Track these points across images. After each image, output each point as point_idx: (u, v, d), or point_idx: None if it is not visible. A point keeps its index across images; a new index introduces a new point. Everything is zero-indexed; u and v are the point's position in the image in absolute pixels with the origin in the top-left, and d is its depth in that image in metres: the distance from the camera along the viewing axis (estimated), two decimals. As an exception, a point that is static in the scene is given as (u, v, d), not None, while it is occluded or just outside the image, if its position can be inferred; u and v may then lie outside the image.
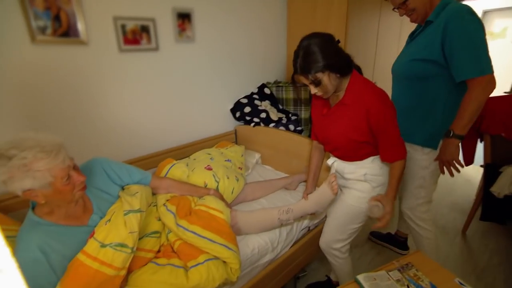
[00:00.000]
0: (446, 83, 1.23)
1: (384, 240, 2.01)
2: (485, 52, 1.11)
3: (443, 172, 1.32)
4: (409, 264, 1.05)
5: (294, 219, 1.36)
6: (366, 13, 2.18)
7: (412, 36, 1.39)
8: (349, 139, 1.15)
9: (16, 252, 0.87)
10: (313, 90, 1.09)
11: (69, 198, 0.96)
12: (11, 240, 0.97)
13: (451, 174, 1.27)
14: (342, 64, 1.05)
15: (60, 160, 0.88)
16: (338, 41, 1.07)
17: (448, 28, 1.13)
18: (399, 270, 1.02)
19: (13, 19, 1.20)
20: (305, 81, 1.07)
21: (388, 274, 0.99)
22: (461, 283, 0.98)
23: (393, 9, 1.35)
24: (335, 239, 1.34)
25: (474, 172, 3.09)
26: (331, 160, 1.33)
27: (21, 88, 1.28)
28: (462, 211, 2.43)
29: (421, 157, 1.38)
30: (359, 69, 1.18)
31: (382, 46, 2.46)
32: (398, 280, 0.97)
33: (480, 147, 2.10)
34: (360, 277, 0.97)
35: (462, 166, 1.25)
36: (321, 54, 0.99)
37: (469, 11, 1.13)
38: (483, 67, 1.10)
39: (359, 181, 1.24)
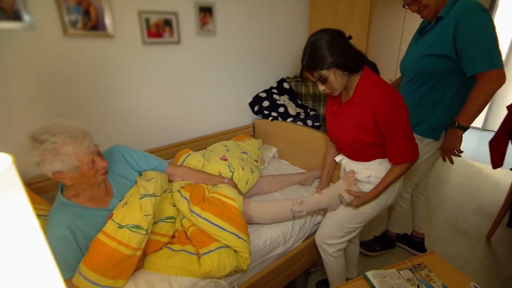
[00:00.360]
0: (456, 79, 1.26)
1: (400, 240, 1.96)
2: (495, 46, 1.13)
3: (444, 160, 1.40)
4: (421, 264, 1.03)
5: (307, 212, 1.36)
6: (392, 9, 2.11)
7: (422, 32, 1.39)
8: (356, 139, 1.12)
9: (48, 229, 0.96)
10: (321, 87, 1.08)
11: (92, 182, 1.03)
12: (43, 219, 1.07)
13: (451, 162, 1.37)
14: (350, 61, 1.02)
15: (85, 145, 0.96)
16: (349, 37, 1.05)
17: (460, 23, 1.14)
18: (410, 270, 1.00)
19: (48, 14, 1.28)
20: (312, 78, 1.06)
21: (399, 272, 0.98)
22: (476, 288, 0.95)
23: (404, 5, 1.33)
24: (330, 234, 1.33)
25: (503, 176, 2.93)
26: (339, 158, 1.32)
27: (52, 78, 1.37)
28: (487, 215, 2.32)
29: (419, 147, 1.36)
30: (374, 66, 1.14)
31: (407, 43, 2.37)
32: (408, 280, 0.96)
33: (510, 150, 1.99)
34: (369, 274, 0.96)
35: (461, 153, 1.34)
36: (327, 50, 0.98)
37: (480, 6, 1.15)
38: (494, 62, 1.13)
39: (363, 182, 1.22)
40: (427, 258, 1.07)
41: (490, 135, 2.14)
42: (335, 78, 1.02)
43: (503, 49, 4.06)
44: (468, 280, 0.98)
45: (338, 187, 1.28)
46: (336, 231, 1.31)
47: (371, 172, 1.18)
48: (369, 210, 1.22)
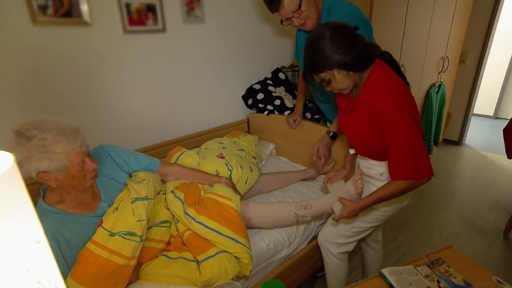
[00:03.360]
0: None
1: None
2: None
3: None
4: (439, 259, 1.08)
5: (312, 217, 1.37)
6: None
7: None
8: (363, 143, 1.13)
9: None
10: (327, 88, 1.07)
11: (81, 186, 1.04)
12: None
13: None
14: (355, 59, 0.98)
15: (77, 144, 0.97)
16: (356, 28, 1.03)
17: None
18: (428, 266, 1.05)
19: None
20: (315, 80, 1.07)
21: (416, 269, 1.03)
22: (499, 282, 1.00)
23: (282, 22, 1.38)
24: (336, 233, 1.33)
25: (519, 167, 3.05)
26: (353, 150, 1.34)
27: (23, 71, 1.36)
28: (504, 210, 2.42)
29: None
30: (389, 57, 1.10)
31: (411, 27, 2.44)
32: (427, 276, 1.00)
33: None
34: (385, 271, 1.01)
35: None
36: (329, 50, 0.96)
37: (358, 15, 1.32)
38: None
39: (375, 178, 1.24)
40: (445, 253, 1.12)
41: (503, 124, 2.22)
42: (338, 80, 1.01)
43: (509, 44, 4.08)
44: (490, 274, 1.03)
45: (346, 188, 1.28)
46: (345, 230, 1.31)
47: (383, 169, 1.17)
48: (383, 208, 1.23)
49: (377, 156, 1.17)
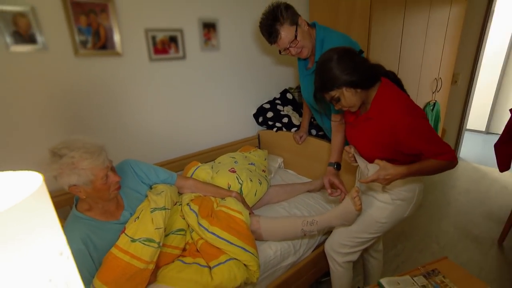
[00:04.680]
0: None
1: None
2: None
3: None
4: (435, 270, 1.02)
5: (318, 231, 1.34)
6: (391, 15, 2.15)
7: (307, 70, 1.51)
8: (371, 154, 1.10)
9: None
10: (336, 106, 1.06)
11: (105, 196, 1.05)
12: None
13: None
14: (362, 78, 0.99)
15: (101, 161, 0.99)
16: (361, 52, 1.03)
17: None
18: (424, 276, 0.99)
19: (61, 36, 1.33)
20: (326, 98, 1.06)
21: (413, 279, 0.98)
22: (493, 293, 0.94)
23: (280, 52, 1.39)
24: (341, 243, 1.29)
25: (511, 179, 2.91)
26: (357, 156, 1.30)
27: (64, 96, 1.41)
28: (498, 220, 2.30)
29: None
30: (393, 76, 1.11)
31: (406, 51, 2.41)
32: (423, 286, 0.95)
33: (516, 152, 1.98)
34: (384, 281, 0.96)
35: None
36: (337, 70, 0.96)
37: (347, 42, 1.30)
38: None
39: (377, 191, 1.20)
40: (441, 264, 1.06)
41: (494, 138, 2.15)
42: (348, 97, 1.01)
43: (502, 50, 4.11)
44: (485, 285, 0.97)
45: (347, 205, 1.22)
46: (348, 240, 1.27)
47: None
48: (384, 219, 1.19)
49: None
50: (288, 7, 1.29)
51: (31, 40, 1.25)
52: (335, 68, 0.97)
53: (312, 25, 1.39)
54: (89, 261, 1.01)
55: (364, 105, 1.09)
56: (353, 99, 1.02)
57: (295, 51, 1.35)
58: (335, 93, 1.00)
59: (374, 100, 1.04)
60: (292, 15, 1.28)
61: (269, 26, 1.28)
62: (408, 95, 1.08)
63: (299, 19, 1.31)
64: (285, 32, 1.28)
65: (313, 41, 1.38)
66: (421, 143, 0.99)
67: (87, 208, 1.07)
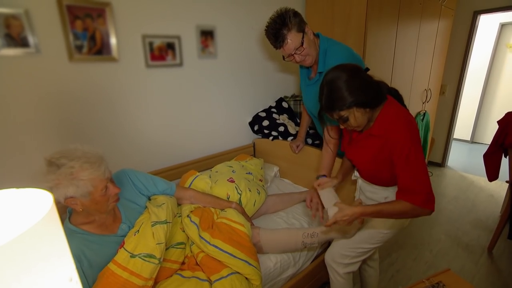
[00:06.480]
0: None
1: None
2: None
3: None
4: (440, 283, 1.02)
5: (319, 243, 1.33)
6: (385, 25, 2.19)
7: (310, 79, 1.51)
8: (372, 171, 1.09)
9: None
10: (342, 125, 1.03)
11: (103, 209, 1.00)
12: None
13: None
14: (370, 97, 0.96)
15: (101, 171, 0.94)
16: (367, 69, 1.00)
17: None
18: (429, 289, 0.99)
19: (55, 39, 1.28)
20: (333, 118, 1.03)
21: (418, 292, 0.98)
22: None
23: (284, 58, 1.40)
24: (342, 253, 1.28)
25: (497, 187, 3.00)
26: (355, 176, 1.30)
27: (57, 102, 1.35)
28: (486, 228, 2.35)
29: None
30: (396, 93, 1.10)
31: (399, 62, 2.47)
32: (429, 299, 0.95)
33: (504, 162, 2.05)
34: (389, 295, 0.95)
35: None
36: (346, 90, 0.93)
37: (349, 55, 1.32)
38: None
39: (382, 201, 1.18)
40: (444, 276, 1.07)
41: (479, 147, 2.22)
42: (357, 117, 0.97)
43: (484, 66, 4.30)
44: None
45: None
46: (350, 251, 1.26)
47: (388, 193, 1.14)
48: (385, 230, 1.19)
49: (383, 182, 1.14)
50: (296, 14, 1.29)
51: (23, 43, 1.19)
52: (345, 88, 0.93)
53: (316, 35, 1.39)
54: (82, 279, 0.95)
55: (367, 122, 1.07)
56: (362, 119, 0.99)
57: (299, 58, 1.34)
58: (344, 113, 0.97)
59: (379, 117, 1.02)
60: (299, 22, 1.28)
61: (276, 30, 1.27)
62: (408, 110, 1.08)
63: (306, 27, 1.31)
64: (292, 38, 1.28)
65: (318, 51, 1.38)
66: (405, 171, 0.96)
67: (82, 222, 1.01)
